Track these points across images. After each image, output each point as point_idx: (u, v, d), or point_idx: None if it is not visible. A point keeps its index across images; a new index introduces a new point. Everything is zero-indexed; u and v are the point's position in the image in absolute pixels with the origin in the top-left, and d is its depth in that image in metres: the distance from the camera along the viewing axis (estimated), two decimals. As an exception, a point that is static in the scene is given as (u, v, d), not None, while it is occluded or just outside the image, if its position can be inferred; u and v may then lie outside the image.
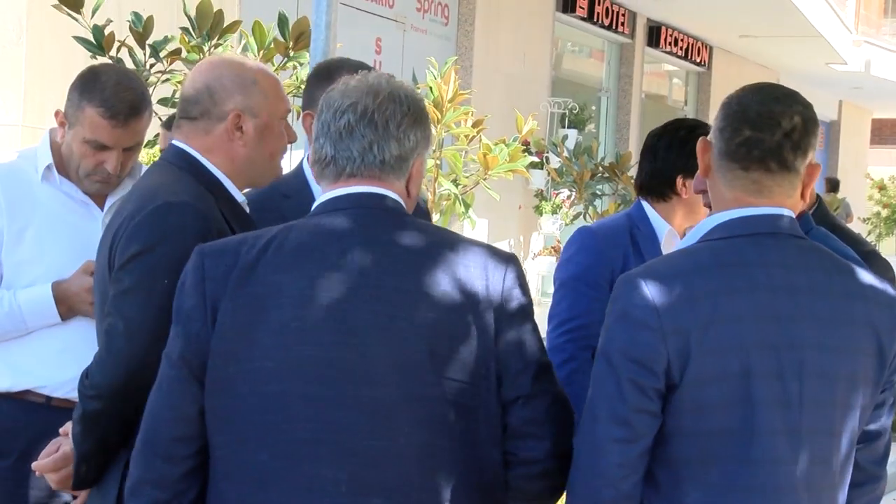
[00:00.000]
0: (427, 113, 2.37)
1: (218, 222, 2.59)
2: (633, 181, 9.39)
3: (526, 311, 2.29)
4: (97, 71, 3.21)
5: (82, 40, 4.65)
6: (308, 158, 3.21)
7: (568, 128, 12.99)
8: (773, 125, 2.29)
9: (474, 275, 2.24)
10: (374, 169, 2.29)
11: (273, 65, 5.01)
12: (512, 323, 2.25)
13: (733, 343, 2.20)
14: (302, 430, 2.17)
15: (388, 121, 2.28)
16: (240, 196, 2.72)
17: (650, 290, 2.21)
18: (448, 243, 2.28)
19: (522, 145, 6.79)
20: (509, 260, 2.29)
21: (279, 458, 2.18)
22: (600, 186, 10.65)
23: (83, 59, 6.42)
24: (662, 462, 2.24)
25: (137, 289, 2.53)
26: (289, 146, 2.78)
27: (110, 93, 3.12)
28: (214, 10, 5.11)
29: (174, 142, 2.74)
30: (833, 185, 19.49)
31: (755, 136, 2.29)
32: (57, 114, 3.28)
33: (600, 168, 10.33)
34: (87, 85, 3.16)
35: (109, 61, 4.76)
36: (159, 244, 2.53)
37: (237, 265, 2.25)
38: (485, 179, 6.41)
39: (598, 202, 11.03)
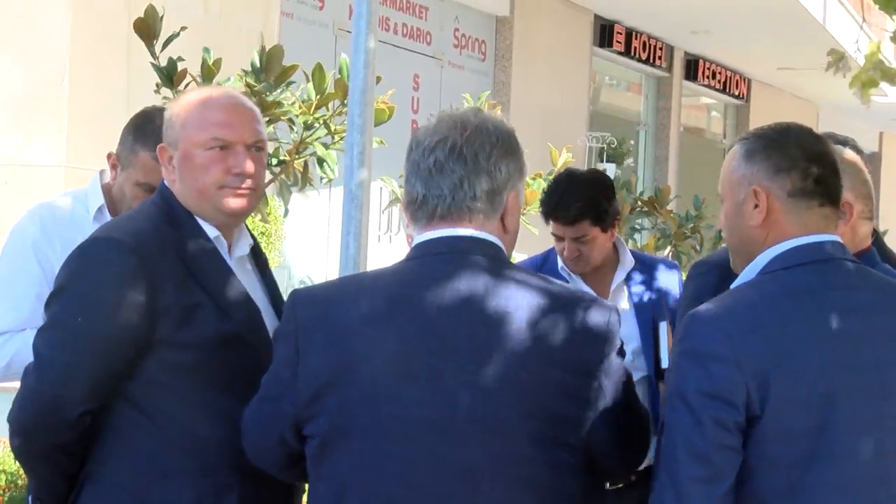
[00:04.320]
0: (518, 144, 2.31)
1: (161, 259, 2.52)
2: (672, 215, 9.40)
3: (622, 366, 2.24)
4: (151, 114, 3.21)
5: (157, 68, 4.72)
6: None
7: (606, 162, 12.94)
8: (832, 163, 2.36)
9: (571, 330, 2.18)
10: (465, 208, 2.22)
11: (328, 110, 4.98)
12: (608, 381, 2.20)
13: (811, 367, 2.19)
14: (385, 489, 2.15)
15: (478, 154, 2.22)
16: (212, 231, 2.64)
17: (718, 323, 2.20)
18: (545, 294, 2.21)
19: (559, 179, 6.77)
20: (609, 314, 2.23)
21: None
22: (639, 221, 10.53)
23: (126, 101, 6.71)
24: (749, 499, 2.20)
25: (51, 327, 2.51)
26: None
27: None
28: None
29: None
30: None
31: (823, 173, 2.33)
32: (109, 156, 3.29)
33: (639, 202, 10.22)
34: (141, 128, 3.18)
35: (168, 97, 4.71)
36: (76, 281, 2.51)
37: (329, 315, 2.21)
38: (523, 214, 6.33)
39: (637, 236, 10.95)
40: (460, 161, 2.22)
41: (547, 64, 12.21)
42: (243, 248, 2.72)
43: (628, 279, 3.92)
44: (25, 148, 7.07)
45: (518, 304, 2.17)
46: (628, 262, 3.93)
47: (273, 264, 7.07)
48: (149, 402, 2.52)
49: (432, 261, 2.22)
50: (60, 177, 6.94)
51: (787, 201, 2.32)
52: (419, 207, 2.25)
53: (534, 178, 6.61)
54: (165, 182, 2.69)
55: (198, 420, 2.51)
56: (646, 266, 3.97)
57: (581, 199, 3.80)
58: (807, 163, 2.32)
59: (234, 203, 2.63)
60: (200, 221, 2.63)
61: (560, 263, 3.92)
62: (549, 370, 2.15)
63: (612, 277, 3.90)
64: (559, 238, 3.90)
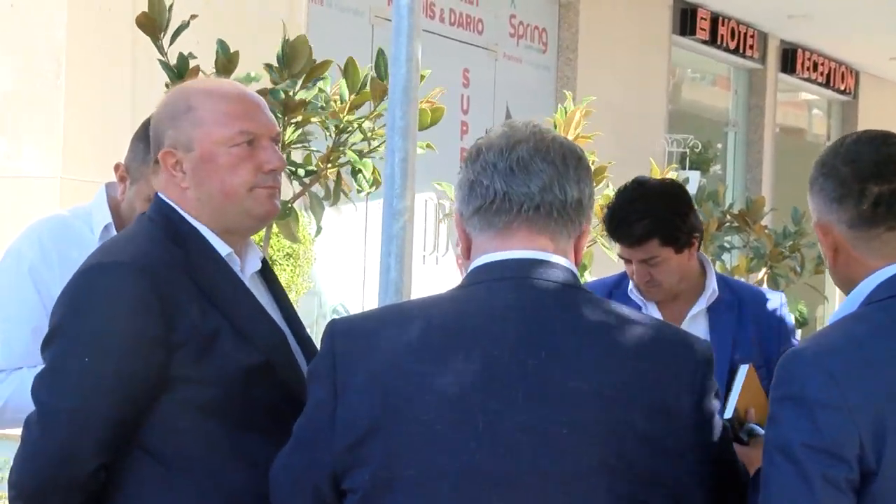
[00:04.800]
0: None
1: (172, 282, 2.52)
2: (767, 232, 9.31)
3: (718, 417, 2.25)
4: None
5: (165, 65, 4.81)
6: None
7: (689, 169, 12.88)
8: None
9: (657, 370, 2.19)
10: (553, 213, 2.26)
11: (375, 105, 5.01)
12: (701, 432, 2.21)
13: None
14: None
15: (566, 158, 2.28)
16: (223, 248, 2.65)
17: (822, 364, 2.18)
18: (626, 328, 2.22)
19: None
20: (703, 352, 2.24)
21: None
22: (729, 238, 10.46)
23: (131, 101, 6.79)
24: None
25: (53, 370, 2.50)
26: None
27: None
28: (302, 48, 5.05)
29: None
30: None
31: (887, 188, 2.30)
32: (117, 167, 3.30)
33: (728, 216, 10.15)
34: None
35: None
36: (78, 314, 2.51)
37: (373, 349, 2.22)
38: (603, 236, 6.05)
39: (726, 257, 10.87)
40: (547, 161, 2.26)
41: (619, 56, 12.20)
42: (255, 263, 2.74)
43: (711, 311, 3.91)
44: (14, 157, 7.12)
45: (593, 338, 2.19)
46: (711, 290, 3.91)
47: (301, 291, 7.42)
48: (168, 450, 2.52)
49: (495, 287, 2.24)
50: (55, 190, 6.97)
51: (849, 234, 2.32)
52: (496, 210, 2.26)
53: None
54: (161, 194, 2.69)
55: (226, 467, 2.52)
56: (737, 296, 3.95)
57: (647, 216, 3.78)
58: (861, 183, 2.29)
59: (268, 205, 2.66)
60: (209, 237, 2.65)
61: (630, 286, 3.93)
62: (629, 417, 2.15)
63: (690, 307, 3.90)
64: (627, 260, 3.89)
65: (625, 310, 2.28)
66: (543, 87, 8.69)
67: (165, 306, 2.49)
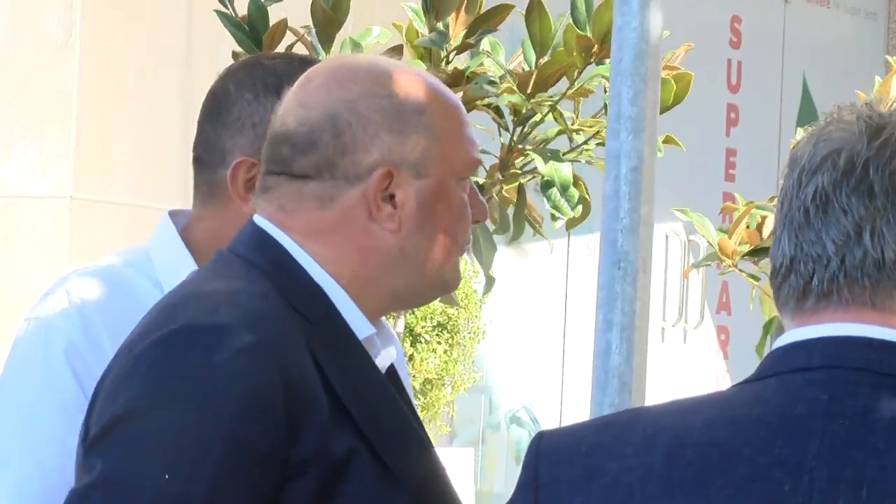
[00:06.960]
0: None
1: (296, 373, 2.54)
2: None
3: None
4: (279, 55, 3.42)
5: (227, 19, 4.78)
6: None
7: None
8: None
9: None
10: (865, 280, 2.13)
11: (567, 79, 4.83)
12: None
13: None
14: None
15: None
16: (366, 328, 2.68)
17: None
18: None
19: None
20: None
21: None
22: None
23: (179, 80, 6.74)
24: None
25: (110, 484, 2.52)
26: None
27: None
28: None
29: (255, 217, 2.77)
30: None
31: None
32: (238, 166, 3.18)
33: None
34: (286, 72, 3.17)
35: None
36: (160, 404, 2.53)
37: (595, 477, 2.17)
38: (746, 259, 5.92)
39: None
40: (860, 192, 2.13)
41: None
42: (389, 352, 2.80)
43: None
44: (4, 165, 6.84)
45: None
46: None
47: (461, 386, 6.88)
48: None
49: (792, 382, 2.13)
50: (64, 214, 6.69)
51: None
52: (783, 281, 2.21)
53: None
54: (267, 223, 2.74)
55: None
56: None
57: None
58: None
59: (459, 273, 2.87)
60: (346, 310, 2.68)
61: None
62: None
63: None
64: None
65: None
66: (866, 47, 8.16)
67: (292, 407, 2.52)
